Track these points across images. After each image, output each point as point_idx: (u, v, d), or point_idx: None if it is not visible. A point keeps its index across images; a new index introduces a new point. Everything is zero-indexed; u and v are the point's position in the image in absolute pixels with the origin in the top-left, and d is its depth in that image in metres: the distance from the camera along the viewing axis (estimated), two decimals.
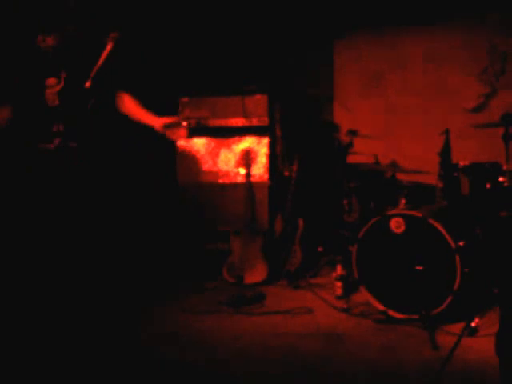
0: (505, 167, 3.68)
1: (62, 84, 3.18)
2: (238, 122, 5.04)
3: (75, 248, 3.11)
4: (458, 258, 3.42)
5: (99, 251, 3.19)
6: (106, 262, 3.35)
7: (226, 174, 5.06)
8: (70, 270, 3.09)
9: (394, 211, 3.77)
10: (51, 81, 3.21)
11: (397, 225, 3.68)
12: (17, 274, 3.33)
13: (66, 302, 3.12)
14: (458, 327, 3.26)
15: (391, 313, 3.63)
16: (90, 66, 2.81)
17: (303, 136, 5.33)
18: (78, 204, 3.15)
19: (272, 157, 5.04)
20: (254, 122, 5.01)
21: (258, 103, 5.00)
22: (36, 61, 3.25)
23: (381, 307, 3.69)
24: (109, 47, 2.65)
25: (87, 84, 2.57)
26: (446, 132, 4.12)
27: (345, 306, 3.88)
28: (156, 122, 3.14)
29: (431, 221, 3.54)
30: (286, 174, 4.98)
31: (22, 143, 3.26)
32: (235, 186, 5.00)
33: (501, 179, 3.74)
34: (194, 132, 5.08)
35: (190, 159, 5.11)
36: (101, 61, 2.62)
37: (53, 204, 3.13)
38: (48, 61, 3.23)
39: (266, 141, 4.99)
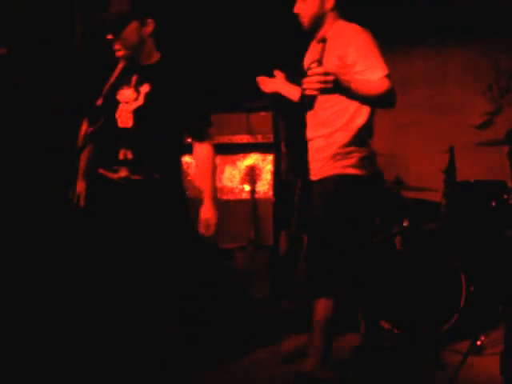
0: (510, 185, 3.68)
1: (141, 101, 2.72)
2: (242, 138, 5.05)
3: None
4: (463, 277, 3.40)
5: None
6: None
7: (231, 190, 5.06)
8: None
9: (399, 228, 3.76)
10: (127, 95, 2.75)
11: (401, 242, 3.67)
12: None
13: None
14: (463, 345, 3.24)
15: (396, 331, 3.61)
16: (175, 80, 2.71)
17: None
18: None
19: (277, 173, 5.04)
20: (259, 138, 5.01)
21: (263, 120, 5.01)
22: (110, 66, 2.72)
23: (386, 325, 3.66)
24: (120, 65, 2.66)
25: (99, 102, 2.57)
26: (451, 149, 4.12)
27: None
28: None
29: (436, 239, 3.53)
30: (291, 190, 4.97)
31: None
32: (240, 202, 5.00)
33: (506, 197, 3.73)
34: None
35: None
36: (112, 78, 2.63)
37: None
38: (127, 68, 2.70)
39: (270, 157, 5.00)
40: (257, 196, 4.92)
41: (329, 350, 2.84)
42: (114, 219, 2.75)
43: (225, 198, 5.06)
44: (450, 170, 4.07)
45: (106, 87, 2.61)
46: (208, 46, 5.37)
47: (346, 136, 2.86)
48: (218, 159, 5.09)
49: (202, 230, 2.92)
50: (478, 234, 3.83)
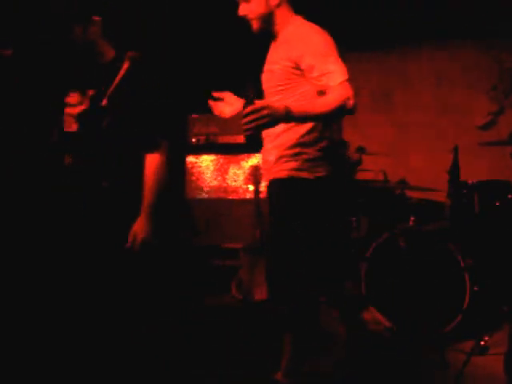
0: None
1: (85, 104, 2.69)
2: None
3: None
4: (467, 277, 3.41)
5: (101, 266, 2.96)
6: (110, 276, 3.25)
7: (235, 190, 5.08)
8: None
9: (403, 228, 3.77)
10: (74, 97, 2.72)
11: (406, 242, 3.67)
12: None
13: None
14: (467, 345, 3.24)
15: (399, 331, 3.62)
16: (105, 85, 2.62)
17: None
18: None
19: None
20: None
21: None
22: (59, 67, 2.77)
23: (389, 325, 3.67)
24: (125, 66, 2.67)
25: (104, 102, 2.58)
26: (455, 150, 4.12)
27: None
28: None
29: (440, 238, 3.53)
30: None
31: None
32: (244, 202, 5.02)
33: (510, 197, 3.73)
34: (203, 148, 5.11)
35: (199, 175, 5.14)
36: (117, 79, 2.64)
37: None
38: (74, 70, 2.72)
39: None
40: (261, 196, 4.93)
41: (300, 357, 2.78)
42: (57, 227, 2.69)
43: (229, 197, 5.08)
44: (454, 170, 4.07)
45: (111, 88, 2.63)
46: (214, 45, 5.39)
47: (292, 138, 2.68)
48: (222, 159, 5.12)
49: (129, 239, 2.69)
50: (482, 234, 3.83)
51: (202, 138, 5.11)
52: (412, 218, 3.93)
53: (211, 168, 5.13)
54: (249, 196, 4.99)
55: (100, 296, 2.71)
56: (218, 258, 4.99)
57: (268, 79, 2.80)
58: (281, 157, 2.71)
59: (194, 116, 5.16)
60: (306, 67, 2.56)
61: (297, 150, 2.68)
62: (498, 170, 4.54)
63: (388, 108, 5.61)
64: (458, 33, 5.22)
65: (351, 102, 2.46)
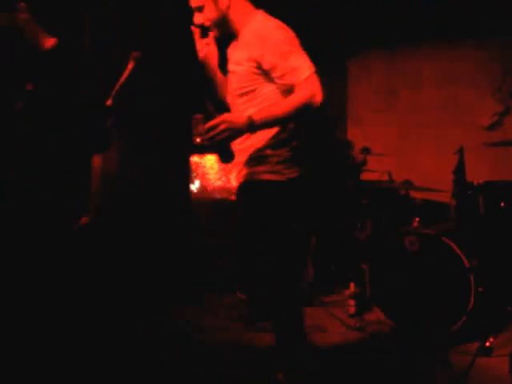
0: None
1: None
2: None
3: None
4: (472, 278, 3.39)
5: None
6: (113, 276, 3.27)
7: None
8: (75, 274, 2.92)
9: (408, 229, 3.76)
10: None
11: (410, 243, 3.66)
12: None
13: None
14: (472, 347, 3.23)
15: (404, 332, 3.61)
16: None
17: (316, 153, 5.33)
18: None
19: None
20: None
21: None
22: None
23: (394, 326, 3.66)
24: (130, 66, 2.67)
25: (108, 102, 2.59)
26: (460, 150, 4.10)
27: (357, 325, 3.85)
28: None
29: (445, 239, 3.52)
30: None
31: None
32: None
33: None
34: (207, 148, 5.11)
35: (204, 175, 5.13)
36: (122, 79, 2.64)
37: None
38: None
39: None
40: None
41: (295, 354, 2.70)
42: None
43: (233, 198, 5.07)
44: (460, 171, 4.05)
45: (116, 87, 2.63)
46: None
47: (261, 139, 2.57)
48: None
49: None
50: (487, 235, 3.81)
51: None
52: (417, 219, 3.92)
53: (215, 168, 5.12)
54: None
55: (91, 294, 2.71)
56: (222, 258, 4.98)
57: (232, 81, 2.71)
58: (251, 159, 2.62)
59: (198, 116, 5.15)
60: (269, 67, 2.49)
61: (267, 152, 2.58)
62: (503, 170, 4.53)
63: (392, 108, 5.60)
64: (463, 32, 5.20)
65: (317, 99, 2.43)
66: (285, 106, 2.44)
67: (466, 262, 3.43)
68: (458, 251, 3.46)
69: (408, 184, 4.34)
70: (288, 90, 2.48)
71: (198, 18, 2.67)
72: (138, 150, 4.79)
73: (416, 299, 3.58)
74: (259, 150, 2.59)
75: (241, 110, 2.58)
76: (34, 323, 2.68)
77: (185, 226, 5.11)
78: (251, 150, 2.61)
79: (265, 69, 2.49)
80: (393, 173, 4.65)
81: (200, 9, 2.63)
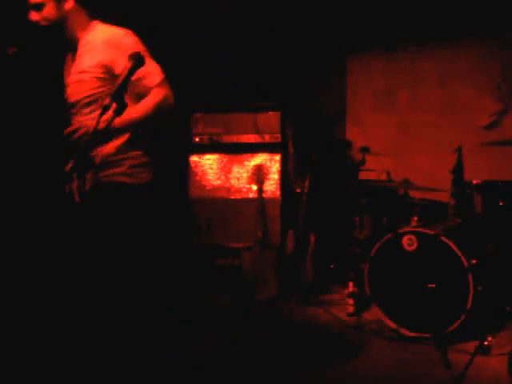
0: None
1: None
2: (250, 138, 5.06)
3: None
4: (470, 277, 3.40)
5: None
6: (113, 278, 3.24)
7: (238, 189, 5.07)
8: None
9: (407, 228, 3.76)
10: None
11: (409, 242, 3.67)
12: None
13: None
14: (470, 346, 3.24)
15: (403, 331, 3.61)
16: None
17: (315, 153, 5.35)
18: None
19: (284, 173, 5.05)
20: (267, 138, 5.03)
21: (271, 120, 5.02)
22: None
23: (392, 325, 3.67)
24: (128, 65, 2.67)
25: (106, 101, 2.58)
26: (459, 149, 4.11)
27: (356, 324, 3.86)
28: None
29: (444, 239, 3.53)
30: (298, 190, 4.98)
31: None
32: (247, 201, 5.01)
33: None
34: (206, 148, 5.12)
35: (203, 175, 5.14)
36: (121, 79, 2.63)
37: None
38: None
39: (278, 157, 5.01)
40: (264, 195, 4.93)
41: None
42: None
43: (232, 197, 5.08)
44: (458, 170, 4.07)
45: (114, 87, 2.62)
46: (219, 45, 5.39)
47: (112, 145, 2.57)
48: (226, 158, 5.12)
49: None
50: (486, 234, 3.82)
51: (206, 137, 5.11)
52: (415, 218, 3.92)
53: (214, 167, 5.12)
54: (252, 196, 4.99)
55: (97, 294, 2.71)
56: (221, 258, 4.98)
57: (77, 91, 2.64)
58: (102, 162, 2.58)
59: (197, 115, 5.16)
60: (122, 72, 2.40)
61: (120, 156, 2.59)
62: (501, 170, 4.53)
63: (391, 108, 5.60)
64: (461, 32, 5.20)
65: (171, 101, 2.54)
66: (141, 108, 2.51)
67: (464, 261, 3.44)
68: (457, 250, 3.47)
69: (407, 183, 4.33)
70: (138, 95, 2.54)
71: (34, 16, 2.58)
72: None
73: (415, 298, 3.58)
74: (113, 155, 2.58)
75: (84, 113, 2.60)
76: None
77: (184, 225, 5.11)
78: (104, 153, 2.58)
79: (117, 74, 2.45)
80: (392, 172, 4.66)
81: (39, 7, 2.56)
